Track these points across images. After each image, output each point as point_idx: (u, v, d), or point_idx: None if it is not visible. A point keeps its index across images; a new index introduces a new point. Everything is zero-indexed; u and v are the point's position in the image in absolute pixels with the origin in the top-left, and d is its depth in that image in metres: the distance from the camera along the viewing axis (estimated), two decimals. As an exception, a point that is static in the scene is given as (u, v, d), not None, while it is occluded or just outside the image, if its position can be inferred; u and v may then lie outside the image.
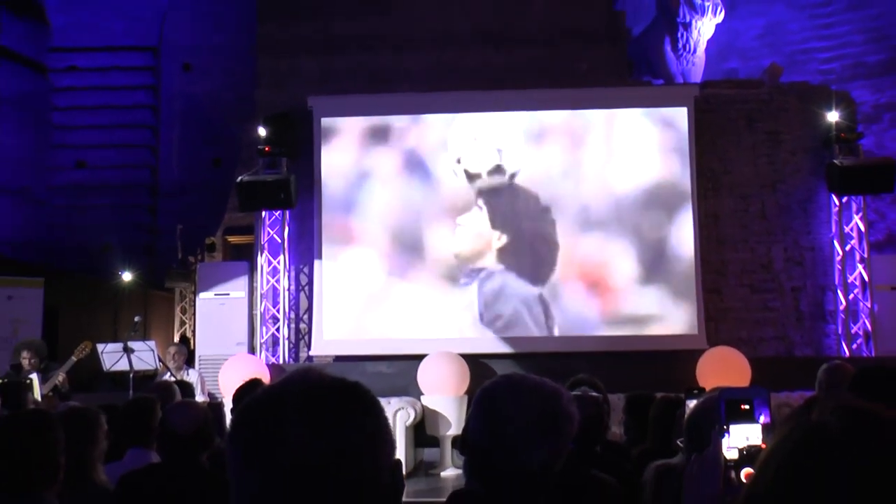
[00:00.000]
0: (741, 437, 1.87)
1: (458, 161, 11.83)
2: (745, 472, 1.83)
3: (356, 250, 11.95)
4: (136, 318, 13.00)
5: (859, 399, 1.06)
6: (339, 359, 11.66)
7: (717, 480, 1.77)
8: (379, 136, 12.10)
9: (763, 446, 1.86)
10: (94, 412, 3.85)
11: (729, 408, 1.90)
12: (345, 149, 12.14)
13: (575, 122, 11.91)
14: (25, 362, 8.43)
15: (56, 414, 3.30)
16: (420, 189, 11.95)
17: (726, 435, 1.87)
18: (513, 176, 11.79)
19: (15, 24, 18.70)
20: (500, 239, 11.77)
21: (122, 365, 9.34)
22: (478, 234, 11.80)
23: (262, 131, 12.12)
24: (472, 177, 11.84)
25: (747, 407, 1.90)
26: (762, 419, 1.90)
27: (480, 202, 11.82)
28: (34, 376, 8.07)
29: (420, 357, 10.73)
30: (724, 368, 10.03)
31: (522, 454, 1.95)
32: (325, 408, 1.19)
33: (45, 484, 2.74)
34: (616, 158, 11.79)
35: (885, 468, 0.95)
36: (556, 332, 11.59)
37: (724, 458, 1.82)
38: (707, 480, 1.78)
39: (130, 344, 9.42)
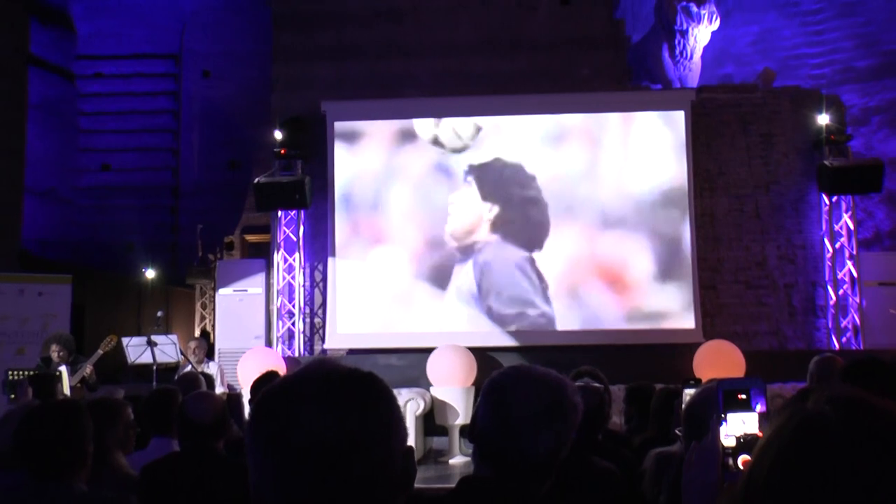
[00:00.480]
0: (738, 426, 1.86)
1: (437, 141, 11.84)
2: (742, 458, 1.83)
3: (368, 248, 11.96)
4: (159, 314, 13.02)
5: (853, 389, 1.05)
6: (352, 352, 11.65)
7: (716, 467, 1.76)
8: (389, 138, 12.10)
9: (759, 434, 1.85)
10: (118, 402, 3.86)
11: (726, 397, 1.90)
12: (357, 151, 12.14)
13: (575, 124, 11.88)
14: (55, 355, 8.44)
15: (84, 403, 3.31)
16: (429, 189, 11.94)
17: (724, 423, 1.86)
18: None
19: (43, 32, 18.75)
20: (490, 211, 11.76)
21: (146, 358, 9.35)
22: (469, 209, 11.79)
23: (277, 135, 12.12)
24: (456, 151, 11.84)
25: (744, 396, 1.89)
26: (758, 408, 1.89)
27: (469, 178, 11.83)
28: (63, 368, 8.09)
29: (429, 350, 10.73)
30: (719, 361, 10.00)
31: (529, 442, 1.94)
32: (340, 396, 1.19)
33: (74, 471, 2.75)
34: (615, 159, 11.76)
35: (878, 454, 0.95)
36: (551, 297, 11.59)
37: (722, 445, 1.82)
38: (705, 467, 1.77)
39: (154, 338, 9.43)
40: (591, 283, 11.62)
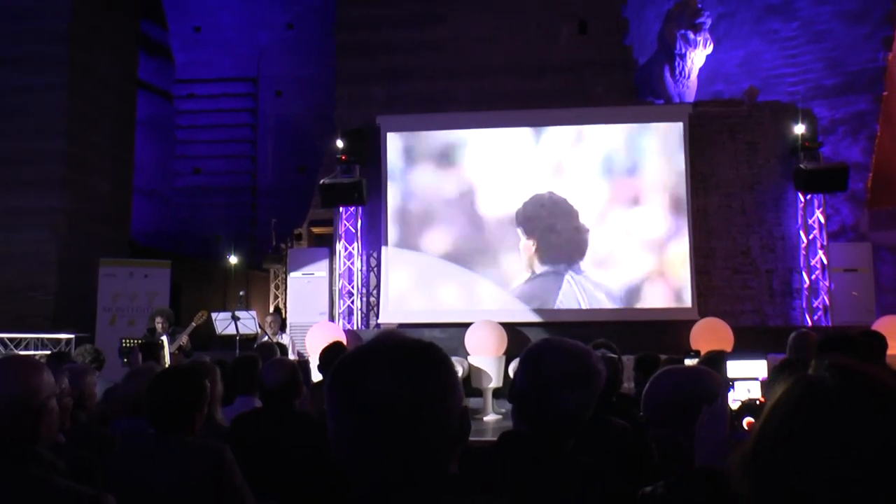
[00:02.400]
0: (743, 392, 1.83)
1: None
2: (747, 420, 1.80)
3: (415, 238, 11.95)
4: (241, 293, 13.13)
5: (849, 359, 1.03)
6: (401, 326, 11.63)
7: (725, 427, 1.73)
8: (434, 146, 12.08)
9: (762, 399, 1.82)
10: (212, 367, 3.88)
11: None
12: (406, 157, 12.14)
13: (592, 134, 11.80)
14: (159, 326, 8.54)
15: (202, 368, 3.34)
16: (466, 187, 11.91)
17: (731, 389, 1.83)
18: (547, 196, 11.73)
19: (149, 61, 18.97)
20: (535, 245, 11.68)
21: (231, 330, 9.41)
22: (520, 254, 11.74)
23: (339, 144, 12.15)
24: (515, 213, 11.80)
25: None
26: (760, 378, 1.85)
27: (520, 231, 11.77)
28: (164, 338, 8.17)
29: (467, 325, 10.70)
30: (712, 335, 9.91)
31: (560, 402, 1.92)
32: (405, 363, 1.18)
33: (190, 425, 2.76)
34: (625, 165, 11.68)
35: (872, 414, 0.94)
36: (583, 305, 11.52)
37: (730, 408, 1.79)
38: (715, 427, 1.74)
39: (237, 313, 9.48)
40: (605, 268, 11.55)
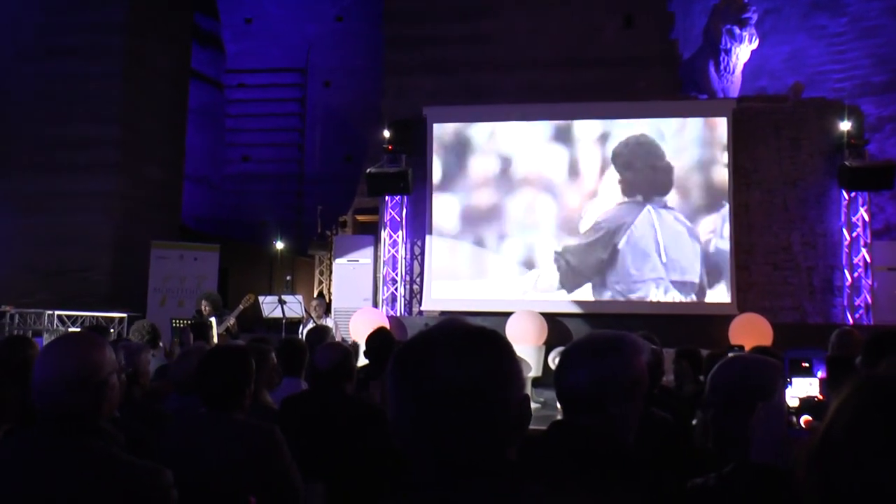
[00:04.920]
0: (802, 389, 1.77)
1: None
2: (805, 419, 1.74)
3: (459, 227, 11.93)
4: (288, 277, 13.22)
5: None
6: (443, 314, 11.62)
7: (782, 424, 1.67)
8: (478, 137, 12.04)
9: (821, 397, 1.77)
10: (266, 349, 3.89)
11: (792, 364, 1.81)
12: (452, 147, 12.12)
13: (635, 128, 11.67)
14: (207, 308, 8.58)
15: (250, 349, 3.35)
16: (509, 180, 11.87)
17: (789, 386, 1.77)
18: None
19: (201, 52, 19.18)
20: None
21: (277, 313, 9.47)
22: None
23: (386, 134, 12.16)
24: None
25: (807, 365, 1.81)
26: (819, 374, 1.80)
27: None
28: (213, 320, 8.23)
29: (508, 314, 10.59)
30: (750, 331, 9.75)
31: (573, 379, 1.85)
32: (469, 349, 1.16)
33: (239, 404, 2.77)
34: (670, 157, 11.55)
35: None
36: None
37: (787, 405, 1.73)
38: (772, 424, 1.68)
39: (283, 297, 9.54)
40: (645, 261, 11.43)
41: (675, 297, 11.27)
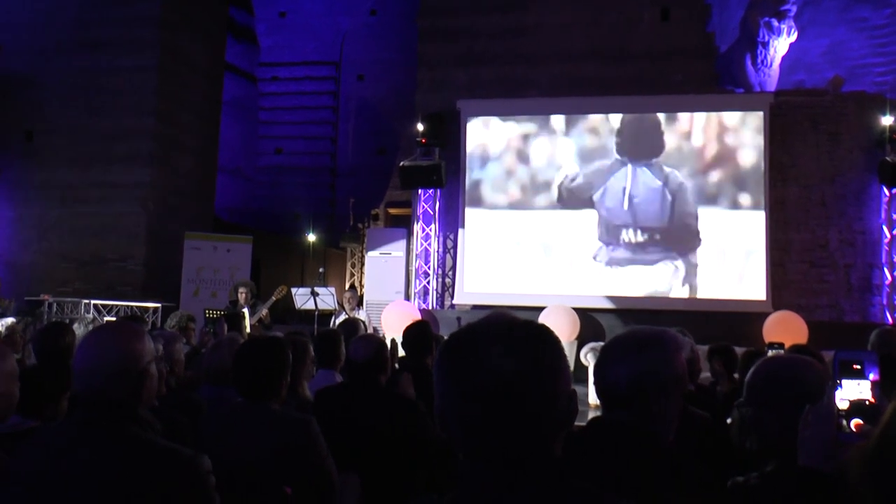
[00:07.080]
0: (852, 392, 1.72)
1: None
2: (855, 422, 1.69)
3: (492, 222, 11.91)
4: (321, 270, 13.26)
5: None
6: (475, 307, 11.60)
7: (832, 427, 1.62)
8: (513, 131, 12.00)
9: (873, 401, 1.72)
10: (305, 342, 3.89)
11: (842, 366, 1.76)
12: (485, 141, 12.09)
13: (671, 122, 11.57)
14: (242, 297, 8.62)
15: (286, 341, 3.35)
16: (543, 174, 11.82)
17: (839, 388, 1.72)
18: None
19: (235, 45, 19.31)
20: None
21: (309, 305, 9.49)
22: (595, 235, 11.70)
23: (419, 127, 12.17)
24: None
25: (858, 367, 1.75)
26: (871, 377, 1.74)
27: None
28: (245, 310, 8.28)
29: (540, 308, 10.51)
30: (785, 329, 9.60)
31: (612, 377, 1.83)
32: (517, 342, 1.14)
33: (275, 394, 2.77)
34: (706, 153, 11.43)
35: None
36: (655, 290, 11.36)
37: (837, 408, 1.67)
38: (821, 426, 1.63)
39: (316, 289, 9.57)
40: (682, 257, 11.34)
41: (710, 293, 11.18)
